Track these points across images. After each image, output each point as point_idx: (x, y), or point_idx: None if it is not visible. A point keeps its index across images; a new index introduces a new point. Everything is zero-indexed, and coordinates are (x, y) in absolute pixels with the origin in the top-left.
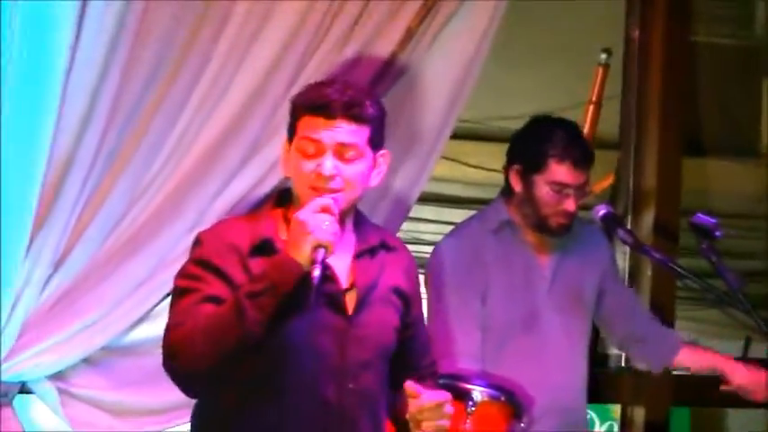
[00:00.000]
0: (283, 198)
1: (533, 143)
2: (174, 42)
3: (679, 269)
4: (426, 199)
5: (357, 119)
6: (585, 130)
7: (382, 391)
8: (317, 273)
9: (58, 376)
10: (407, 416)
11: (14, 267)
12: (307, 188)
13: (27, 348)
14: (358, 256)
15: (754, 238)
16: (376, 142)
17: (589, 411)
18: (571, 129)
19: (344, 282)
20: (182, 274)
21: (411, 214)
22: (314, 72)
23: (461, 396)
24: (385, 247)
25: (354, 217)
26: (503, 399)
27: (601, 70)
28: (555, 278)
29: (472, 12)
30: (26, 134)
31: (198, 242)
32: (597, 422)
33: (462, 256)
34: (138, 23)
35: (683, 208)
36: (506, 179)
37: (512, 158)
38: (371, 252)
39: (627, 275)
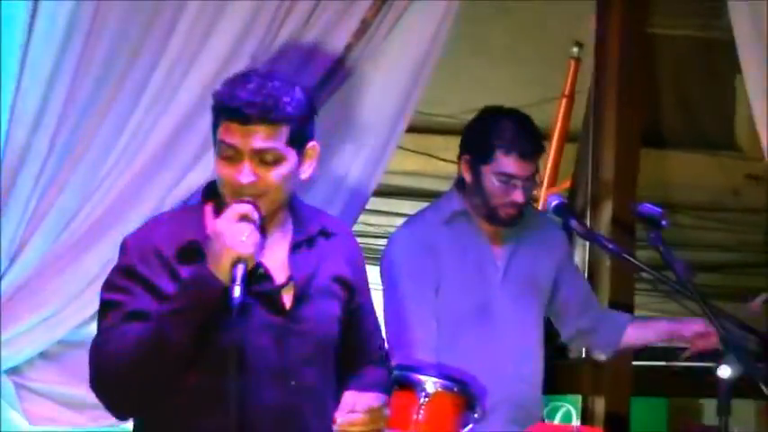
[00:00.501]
0: (212, 191)
1: (481, 134)
2: (126, 41)
3: (631, 259)
4: (401, 194)
5: (274, 122)
6: (558, 123)
7: (328, 384)
8: (237, 292)
9: (14, 371)
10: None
11: None
12: (228, 192)
13: None
14: (294, 248)
15: (723, 230)
16: (299, 139)
17: (566, 405)
18: (520, 120)
19: (281, 276)
20: (108, 285)
21: (386, 209)
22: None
23: (414, 386)
24: (324, 234)
25: (290, 207)
26: (455, 389)
27: (573, 63)
28: (508, 268)
29: (426, 8)
30: None
31: (124, 249)
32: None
33: (415, 247)
34: (89, 22)
35: (647, 200)
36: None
37: (462, 149)
38: (309, 242)
39: (587, 268)
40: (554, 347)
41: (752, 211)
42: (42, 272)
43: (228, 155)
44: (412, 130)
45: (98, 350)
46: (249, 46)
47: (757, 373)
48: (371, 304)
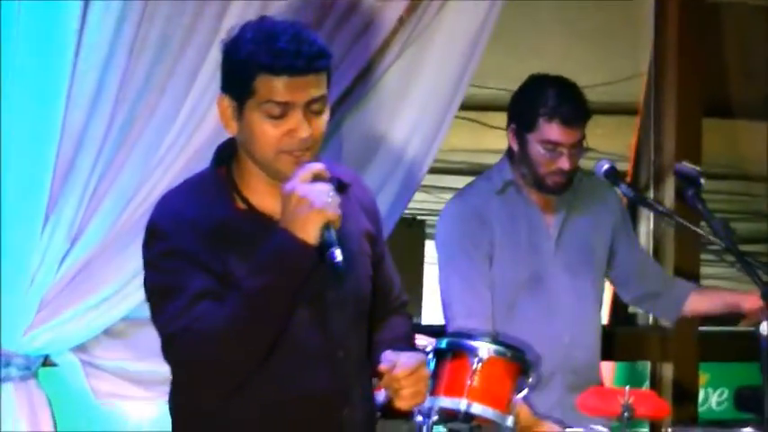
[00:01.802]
0: (225, 155)
1: (525, 102)
2: (180, 21)
3: (683, 222)
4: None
5: (319, 69)
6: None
7: (365, 344)
8: (339, 256)
9: (80, 348)
10: (382, 385)
11: (31, 243)
12: (273, 152)
13: (47, 321)
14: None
15: None
16: (329, 85)
17: None
18: (563, 86)
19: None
20: (155, 270)
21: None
22: None
23: (468, 353)
24: (341, 187)
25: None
26: (509, 355)
27: None
28: (561, 236)
29: None
30: (38, 111)
31: (159, 231)
32: None
33: (467, 217)
34: (143, 4)
35: (718, 171)
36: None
37: (509, 118)
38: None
39: (651, 239)
40: (622, 315)
41: None
42: (103, 252)
43: (276, 112)
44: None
45: (181, 333)
46: (304, 22)
47: None
48: (386, 252)
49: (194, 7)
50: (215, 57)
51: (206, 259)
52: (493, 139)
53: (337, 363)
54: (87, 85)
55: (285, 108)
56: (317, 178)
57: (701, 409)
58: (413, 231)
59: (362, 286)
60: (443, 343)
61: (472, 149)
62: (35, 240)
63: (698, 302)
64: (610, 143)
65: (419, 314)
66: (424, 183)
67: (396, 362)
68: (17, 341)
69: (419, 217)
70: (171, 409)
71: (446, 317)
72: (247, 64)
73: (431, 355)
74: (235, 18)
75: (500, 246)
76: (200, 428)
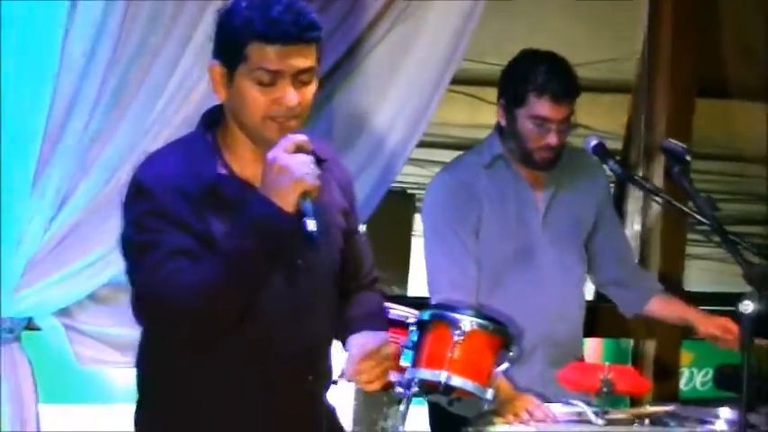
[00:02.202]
0: (211, 120)
1: (515, 77)
2: None
3: (670, 200)
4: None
5: (310, 40)
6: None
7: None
8: (312, 225)
9: (64, 312)
10: (347, 377)
11: (20, 204)
12: (260, 118)
13: (32, 285)
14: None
15: None
16: (319, 59)
17: None
18: (554, 62)
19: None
20: (137, 227)
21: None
22: None
23: (450, 325)
24: (318, 161)
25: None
26: (491, 328)
27: None
28: (548, 212)
29: None
30: (30, 72)
31: (144, 190)
32: None
33: (454, 190)
34: None
35: (706, 151)
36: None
37: (499, 93)
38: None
39: (640, 219)
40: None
41: None
42: (91, 216)
43: (266, 80)
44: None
45: (153, 288)
46: None
47: None
48: (358, 228)
49: None
50: (207, 24)
51: (188, 220)
52: (489, 115)
53: (305, 330)
54: (80, 49)
55: (275, 76)
56: (299, 149)
57: (686, 389)
58: (403, 204)
59: (334, 257)
60: (426, 315)
61: (468, 125)
62: (24, 202)
63: (659, 308)
64: (607, 121)
65: (405, 286)
66: (416, 156)
67: (359, 354)
68: (4, 303)
69: (410, 190)
70: (138, 370)
71: (431, 289)
72: (241, 31)
73: (414, 327)
74: None
75: (488, 220)
76: (168, 390)
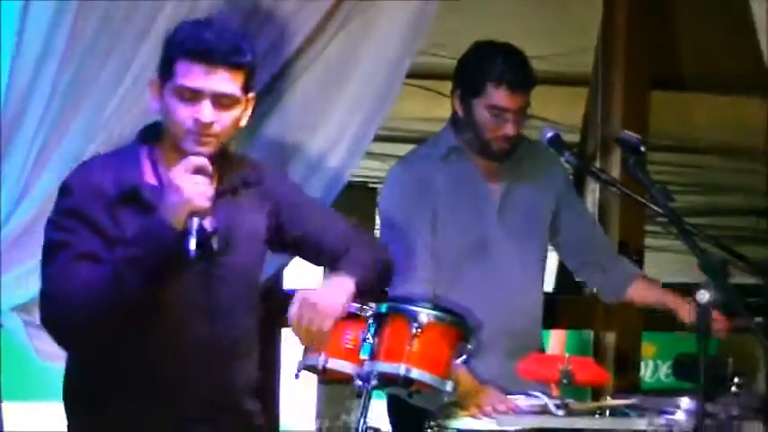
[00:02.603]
0: (149, 134)
1: (472, 68)
2: None
3: (627, 191)
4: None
5: (235, 67)
6: None
7: (254, 322)
8: (193, 245)
9: (22, 308)
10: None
11: None
12: (182, 132)
13: None
14: (218, 196)
15: (750, 172)
16: (248, 87)
17: None
18: (510, 53)
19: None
20: (53, 225)
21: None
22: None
23: (407, 318)
24: (246, 184)
25: (220, 154)
26: (448, 320)
27: None
28: (504, 203)
29: None
30: None
31: (66, 190)
32: None
33: (409, 185)
34: None
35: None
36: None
37: (454, 84)
38: (233, 192)
39: (597, 210)
40: (568, 283)
41: None
42: (46, 213)
43: (187, 96)
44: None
45: (52, 288)
46: None
47: (734, 299)
48: (314, 210)
49: None
50: (162, 23)
51: (102, 223)
52: (447, 108)
53: (216, 327)
54: (33, 45)
55: (195, 94)
56: (198, 171)
57: (650, 381)
58: (364, 198)
59: (249, 266)
60: (383, 307)
61: (427, 118)
62: None
63: (641, 291)
64: (564, 114)
65: None
66: (377, 151)
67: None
68: None
69: (371, 184)
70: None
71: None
72: (173, 48)
73: (371, 320)
74: None
75: (443, 212)
76: (86, 383)
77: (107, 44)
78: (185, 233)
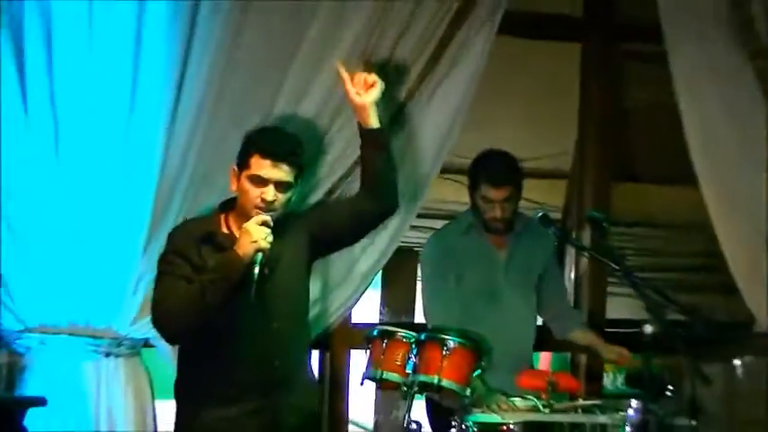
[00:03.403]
0: (226, 205)
1: (473, 170)
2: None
3: (595, 255)
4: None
5: (293, 164)
6: None
7: (302, 324)
8: (256, 271)
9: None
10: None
11: (133, 259)
12: (252, 205)
13: (145, 317)
14: (275, 239)
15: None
16: (298, 177)
17: None
18: (496, 157)
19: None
20: (162, 261)
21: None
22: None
23: (440, 343)
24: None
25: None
26: (468, 345)
27: None
28: (509, 264)
29: (460, 73)
30: (140, 158)
31: (170, 240)
32: None
33: (438, 252)
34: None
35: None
36: None
37: (470, 180)
38: (283, 233)
39: (574, 269)
40: None
41: None
42: None
43: (257, 182)
44: (451, 170)
45: (160, 302)
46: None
47: (670, 331)
48: (333, 209)
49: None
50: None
51: (191, 257)
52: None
53: (272, 331)
54: (180, 142)
55: (264, 181)
56: (263, 224)
57: (610, 388)
58: (409, 259)
59: (293, 288)
60: (423, 336)
61: (454, 201)
62: (137, 257)
63: (578, 336)
64: (550, 199)
65: (412, 315)
66: (418, 224)
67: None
68: (126, 328)
69: (415, 249)
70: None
71: (426, 319)
72: (249, 146)
73: (414, 345)
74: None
75: (465, 272)
76: (189, 370)
77: (235, 140)
78: (251, 264)
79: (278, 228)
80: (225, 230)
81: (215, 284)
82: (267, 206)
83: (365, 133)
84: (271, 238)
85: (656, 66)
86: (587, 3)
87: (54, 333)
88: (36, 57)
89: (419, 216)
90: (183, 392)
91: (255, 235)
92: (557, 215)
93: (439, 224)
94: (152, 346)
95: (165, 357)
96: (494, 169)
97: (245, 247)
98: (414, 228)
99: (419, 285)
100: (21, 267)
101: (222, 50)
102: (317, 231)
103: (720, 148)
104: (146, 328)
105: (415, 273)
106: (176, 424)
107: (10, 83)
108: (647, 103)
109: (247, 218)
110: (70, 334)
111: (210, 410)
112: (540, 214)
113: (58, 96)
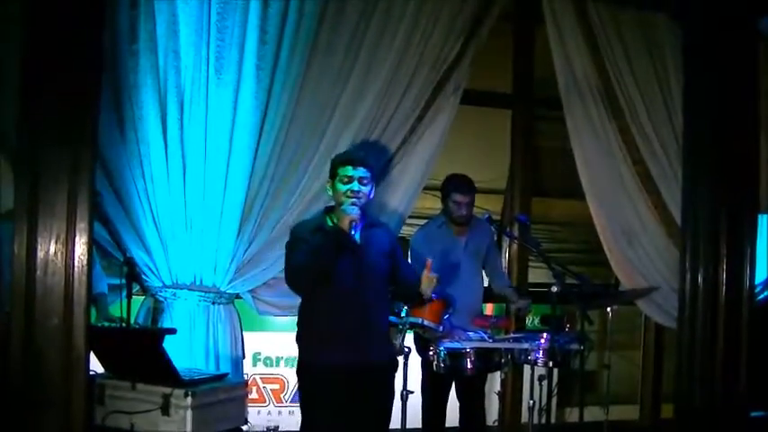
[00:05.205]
0: (328, 209)
1: (447, 185)
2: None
3: (522, 242)
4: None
5: (367, 166)
6: None
7: (385, 288)
8: (354, 233)
9: (252, 291)
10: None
11: (230, 241)
12: (343, 197)
13: (238, 279)
14: (363, 228)
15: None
16: (373, 177)
17: None
18: (461, 178)
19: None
20: (289, 245)
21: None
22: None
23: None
24: (374, 225)
25: (363, 211)
26: (439, 298)
27: None
28: (466, 246)
29: (438, 121)
30: (237, 171)
31: (293, 231)
32: None
33: (421, 239)
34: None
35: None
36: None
37: (442, 192)
38: (368, 227)
39: (507, 251)
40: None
41: None
42: (264, 248)
43: (345, 181)
44: (430, 188)
45: (291, 265)
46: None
47: (569, 291)
48: (403, 259)
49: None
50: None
51: (308, 238)
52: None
53: (362, 289)
54: (268, 145)
55: (349, 178)
56: (354, 205)
57: (530, 325)
58: (403, 245)
59: (380, 260)
60: None
61: (432, 207)
62: (233, 239)
63: (505, 292)
64: (494, 206)
65: None
66: (409, 222)
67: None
68: (225, 286)
69: (406, 237)
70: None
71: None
72: (336, 163)
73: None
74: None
75: (438, 251)
76: (305, 309)
77: (300, 155)
78: (349, 233)
79: (369, 221)
80: (329, 223)
81: (326, 246)
82: (354, 195)
83: (418, 296)
84: (359, 214)
85: (558, 124)
86: (515, 84)
87: (181, 289)
88: (173, 114)
89: (409, 216)
90: (302, 339)
91: (349, 212)
92: (497, 217)
93: (422, 221)
94: (241, 297)
95: (250, 304)
96: (460, 183)
97: (343, 221)
98: (405, 224)
99: (409, 260)
100: (161, 247)
101: (294, 89)
102: (390, 250)
103: (597, 175)
104: (238, 286)
105: (407, 252)
106: (299, 363)
107: (154, 129)
108: (552, 147)
109: (341, 214)
110: (190, 289)
111: (321, 353)
112: (486, 216)
113: (186, 135)
